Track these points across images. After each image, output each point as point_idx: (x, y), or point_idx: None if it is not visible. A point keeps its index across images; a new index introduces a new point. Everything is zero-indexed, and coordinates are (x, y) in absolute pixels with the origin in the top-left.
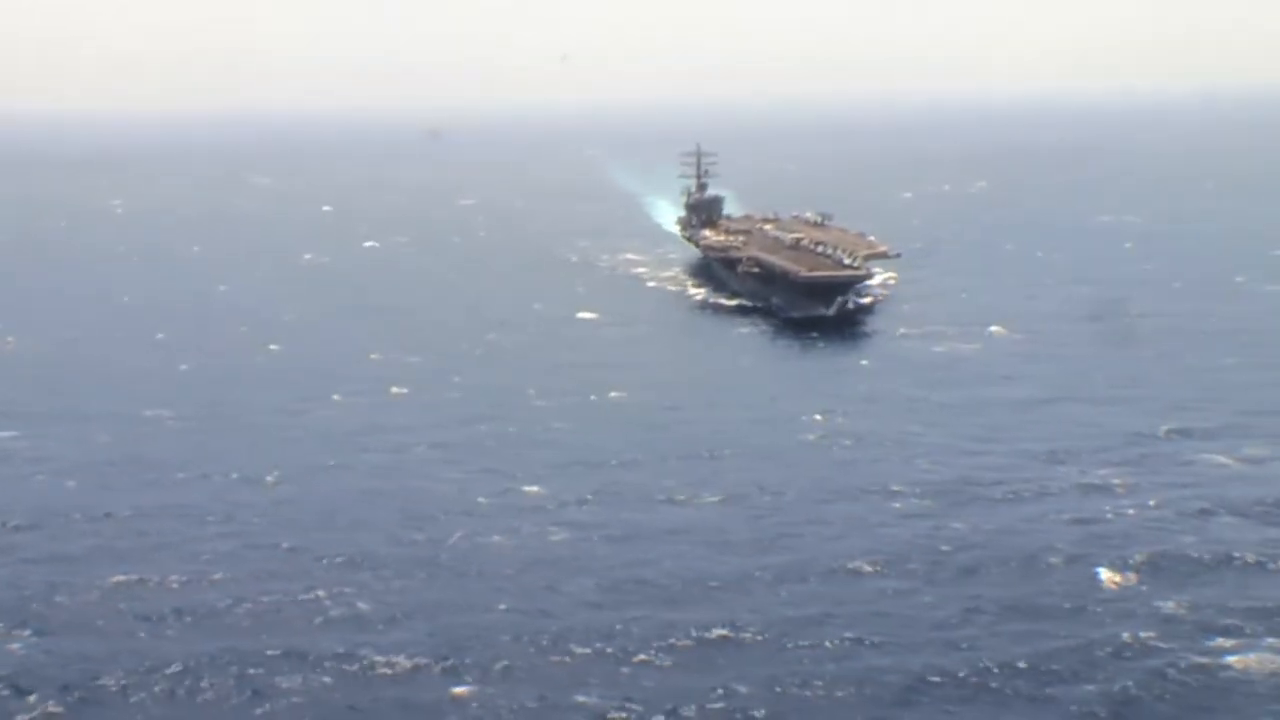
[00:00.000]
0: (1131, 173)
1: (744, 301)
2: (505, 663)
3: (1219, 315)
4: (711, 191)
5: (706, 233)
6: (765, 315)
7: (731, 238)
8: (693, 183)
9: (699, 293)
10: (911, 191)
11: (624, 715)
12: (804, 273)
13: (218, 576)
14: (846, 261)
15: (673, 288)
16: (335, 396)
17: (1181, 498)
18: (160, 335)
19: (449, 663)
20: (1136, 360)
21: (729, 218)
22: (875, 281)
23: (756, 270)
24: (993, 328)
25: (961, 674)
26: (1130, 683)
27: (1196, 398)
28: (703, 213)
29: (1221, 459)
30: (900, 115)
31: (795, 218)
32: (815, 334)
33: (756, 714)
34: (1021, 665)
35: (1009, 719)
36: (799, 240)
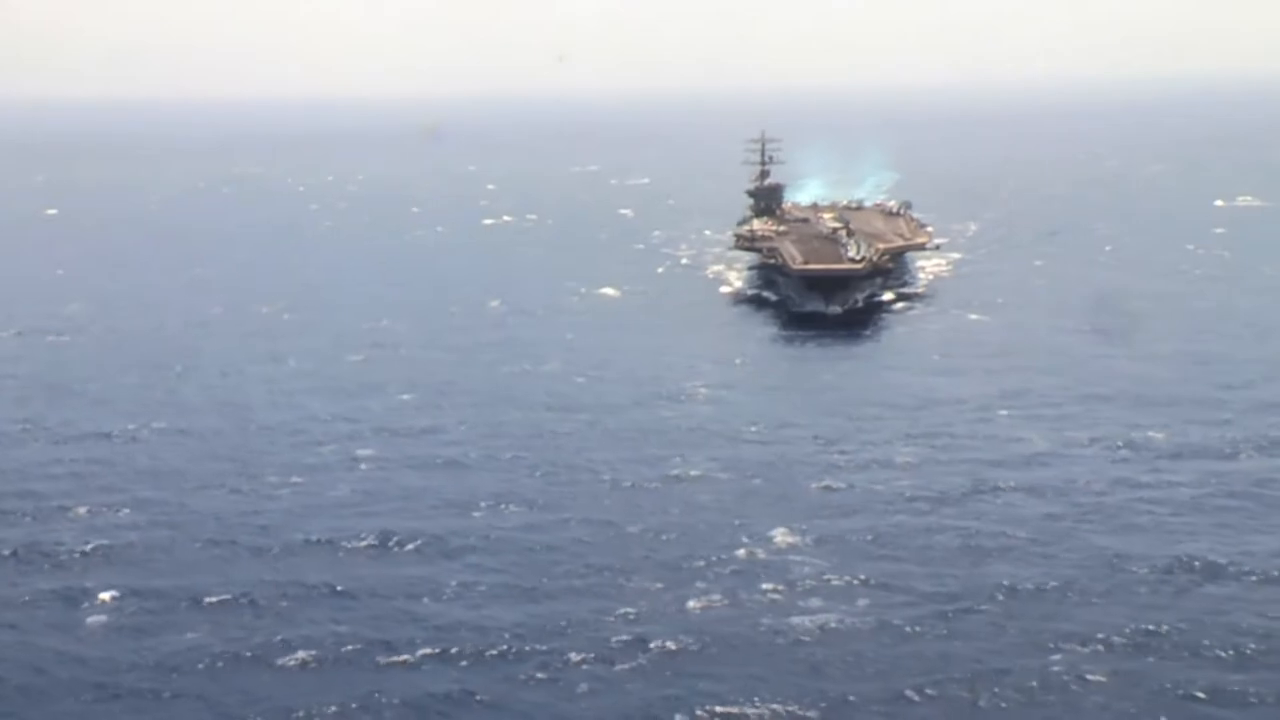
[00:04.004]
0: None
1: (772, 294)
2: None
3: (1226, 308)
4: (775, 179)
5: (755, 222)
6: (779, 308)
7: (776, 227)
8: (758, 169)
9: (738, 283)
10: (1074, 170)
11: (240, 599)
12: (796, 265)
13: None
14: (851, 254)
15: (723, 276)
16: (291, 362)
17: (935, 474)
18: (217, 309)
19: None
20: (1074, 346)
21: (815, 206)
22: (927, 271)
23: (773, 262)
24: (973, 315)
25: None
26: (704, 628)
27: (1087, 382)
28: (763, 200)
29: (1036, 442)
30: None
31: (876, 206)
32: (798, 324)
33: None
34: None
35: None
36: (836, 230)
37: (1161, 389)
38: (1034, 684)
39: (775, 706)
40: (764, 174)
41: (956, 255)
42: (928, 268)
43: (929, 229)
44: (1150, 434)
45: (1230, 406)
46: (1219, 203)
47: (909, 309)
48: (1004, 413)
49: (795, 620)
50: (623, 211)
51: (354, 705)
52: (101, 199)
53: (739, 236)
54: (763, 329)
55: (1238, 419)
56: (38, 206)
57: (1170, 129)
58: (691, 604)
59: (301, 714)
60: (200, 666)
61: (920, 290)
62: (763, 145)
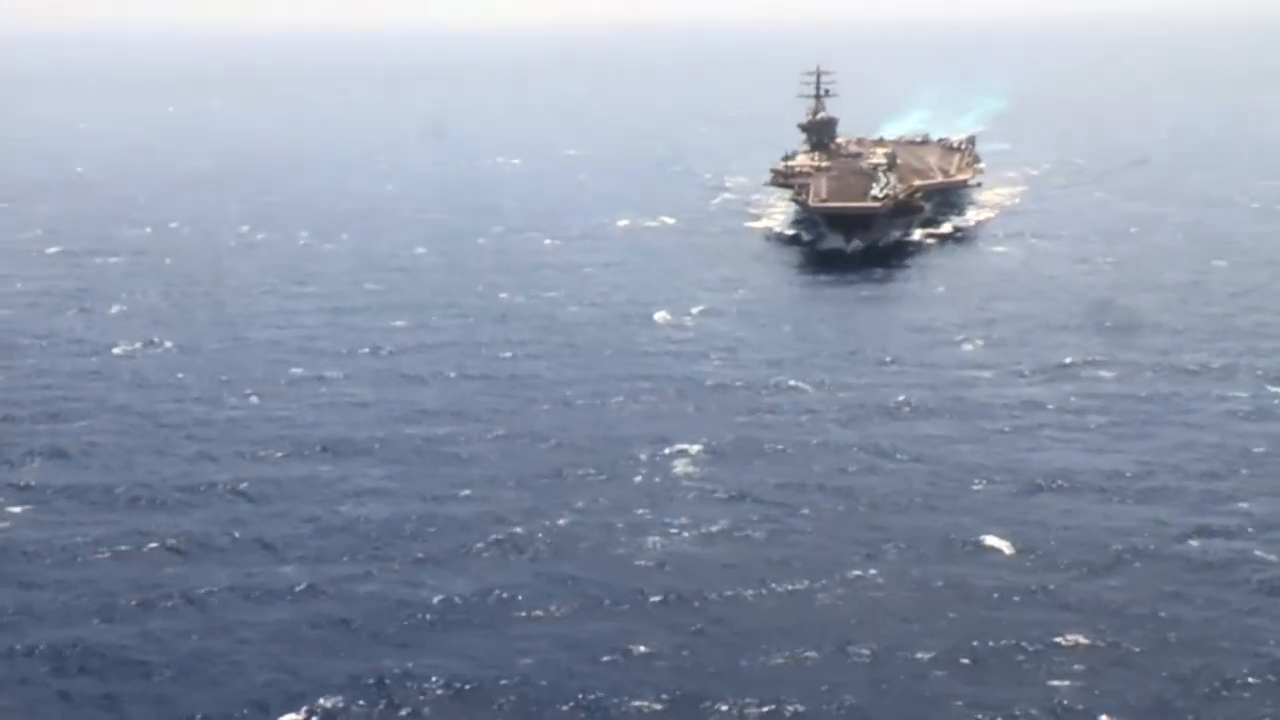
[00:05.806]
0: None
1: (806, 231)
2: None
3: (1257, 243)
4: (828, 113)
5: (800, 157)
6: (807, 245)
7: (819, 162)
8: (813, 102)
9: (780, 218)
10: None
11: (153, 499)
12: (813, 202)
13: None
14: (874, 192)
15: (769, 211)
16: (310, 286)
17: (864, 397)
18: (263, 234)
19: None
20: (1076, 279)
21: (880, 139)
22: (985, 207)
23: (801, 199)
24: (998, 248)
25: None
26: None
27: (1069, 312)
28: (815, 135)
29: (981, 369)
30: None
31: (941, 141)
32: (818, 261)
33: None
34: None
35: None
36: (876, 167)
37: (1136, 317)
38: (840, 597)
39: (584, 609)
40: (818, 107)
41: (1022, 189)
42: (988, 202)
43: (980, 165)
44: (1099, 362)
45: (1194, 334)
46: None
47: (940, 245)
48: (967, 346)
49: (651, 536)
50: (707, 143)
51: (201, 593)
52: (214, 127)
53: (775, 172)
54: (780, 264)
55: (1192, 346)
56: (153, 136)
57: None
58: (562, 519)
59: (155, 595)
60: (94, 556)
61: (966, 225)
62: (818, 78)
